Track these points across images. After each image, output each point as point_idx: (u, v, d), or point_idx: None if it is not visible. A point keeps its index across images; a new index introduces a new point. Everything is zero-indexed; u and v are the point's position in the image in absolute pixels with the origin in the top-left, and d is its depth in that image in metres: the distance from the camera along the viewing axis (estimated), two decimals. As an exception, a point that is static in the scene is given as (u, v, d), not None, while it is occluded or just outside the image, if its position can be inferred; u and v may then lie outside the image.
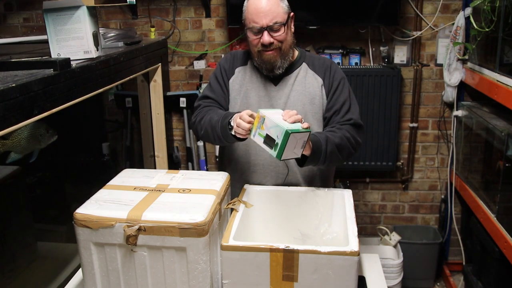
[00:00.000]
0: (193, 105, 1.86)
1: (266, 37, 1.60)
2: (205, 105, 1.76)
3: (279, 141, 1.38)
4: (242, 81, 1.76)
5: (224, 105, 1.77)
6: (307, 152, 1.50)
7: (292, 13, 1.67)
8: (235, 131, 1.52)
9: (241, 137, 1.52)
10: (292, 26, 1.70)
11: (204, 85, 2.88)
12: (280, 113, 1.46)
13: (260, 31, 1.61)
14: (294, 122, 1.41)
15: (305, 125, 1.42)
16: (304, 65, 1.76)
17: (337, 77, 1.74)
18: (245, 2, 1.66)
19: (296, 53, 1.77)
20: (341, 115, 1.69)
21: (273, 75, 1.71)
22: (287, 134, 1.35)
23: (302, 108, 1.69)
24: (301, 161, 1.56)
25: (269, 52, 1.64)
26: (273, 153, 1.41)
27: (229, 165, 1.80)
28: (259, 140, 1.46)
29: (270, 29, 1.60)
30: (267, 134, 1.42)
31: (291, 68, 1.73)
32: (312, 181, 1.75)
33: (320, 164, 1.59)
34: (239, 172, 1.76)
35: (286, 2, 1.66)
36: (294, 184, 1.71)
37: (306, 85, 1.72)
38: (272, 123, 1.40)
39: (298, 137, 1.39)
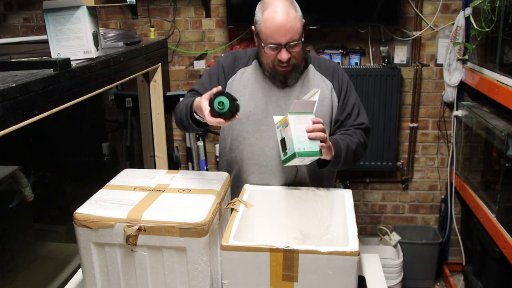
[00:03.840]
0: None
1: (285, 55, 1.56)
2: (188, 96, 1.75)
3: (288, 153, 1.45)
4: (246, 82, 1.72)
5: None
6: (328, 157, 1.52)
7: (303, 21, 1.62)
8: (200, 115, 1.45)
9: (202, 120, 1.46)
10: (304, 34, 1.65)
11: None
12: (309, 121, 1.45)
13: (278, 47, 1.56)
14: (315, 138, 1.43)
15: (322, 145, 1.44)
16: (311, 66, 1.74)
17: (345, 80, 1.74)
18: (260, 11, 1.58)
19: None
20: (353, 119, 1.71)
21: (286, 85, 1.69)
22: (294, 155, 1.42)
23: None
24: (321, 163, 1.58)
25: (284, 69, 1.62)
26: (282, 156, 1.49)
27: (235, 167, 1.77)
28: (278, 135, 1.51)
29: (289, 46, 1.56)
30: (284, 138, 1.47)
31: None
32: (319, 181, 1.75)
33: (337, 169, 1.66)
34: (246, 173, 1.73)
35: (300, 13, 1.60)
36: (301, 184, 1.69)
37: (314, 87, 1.69)
38: (290, 134, 1.43)
39: (306, 158, 1.45)
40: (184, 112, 1.59)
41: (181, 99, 2.89)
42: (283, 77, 1.66)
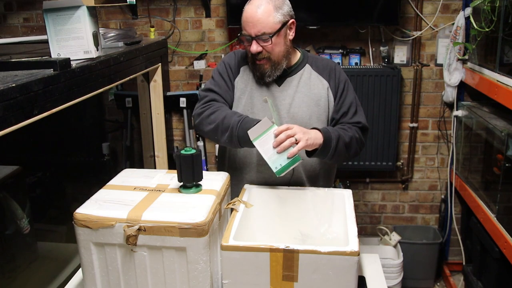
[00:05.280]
0: (193, 106, 1.84)
1: (253, 46, 1.61)
2: (212, 97, 1.72)
3: (274, 171, 1.50)
4: (247, 80, 1.74)
5: (229, 102, 1.74)
6: (311, 148, 1.53)
7: (291, 21, 1.64)
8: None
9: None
10: (291, 33, 1.67)
11: (204, 86, 2.88)
12: (272, 137, 1.48)
13: (249, 39, 1.61)
14: (284, 151, 1.46)
15: (294, 151, 1.46)
16: (307, 66, 1.74)
17: (342, 79, 1.74)
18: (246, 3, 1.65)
19: (298, 54, 1.76)
20: (349, 117, 1.71)
21: (264, 81, 1.70)
22: (276, 174, 1.48)
23: (307, 110, 1.69)
24: (310, 152, 1.58)
25: (259, 62, 1.65)
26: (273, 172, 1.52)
27: (233, 166, 1.78)
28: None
29: (259, 38, 1.60)
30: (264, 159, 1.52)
31: (294, 69, 1.73)
32: (315, 181, 1.75)
33: (328, 159, 1.63)
34: (243, 173, 1.75)
35: (284, 10, 1.61)
36: (298, 184, 1.70)
37: (311, 86, 1.71)
38: (263, 158, 1.49)
39: (291, 167, 1.49)
40: (237, 129, 1.56)
41: (181, 99, 2.92)
42: (259, 72, 1.68)
